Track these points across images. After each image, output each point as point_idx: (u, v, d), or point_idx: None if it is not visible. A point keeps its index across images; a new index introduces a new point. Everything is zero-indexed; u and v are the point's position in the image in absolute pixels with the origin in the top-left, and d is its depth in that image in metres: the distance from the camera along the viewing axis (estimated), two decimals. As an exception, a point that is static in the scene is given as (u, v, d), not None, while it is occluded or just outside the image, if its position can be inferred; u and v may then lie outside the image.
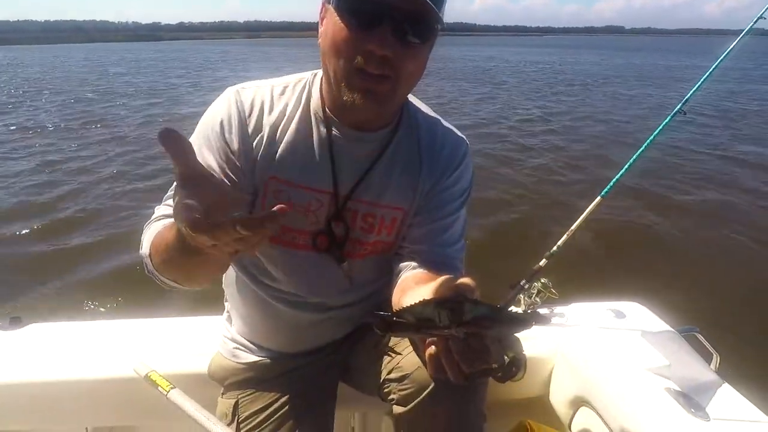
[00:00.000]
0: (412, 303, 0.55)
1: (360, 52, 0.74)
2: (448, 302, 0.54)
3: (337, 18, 0.75)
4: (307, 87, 0.92)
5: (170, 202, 0.86)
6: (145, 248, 0.79)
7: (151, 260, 0.77)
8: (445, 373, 0.59)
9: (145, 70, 23.54)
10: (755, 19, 1.66)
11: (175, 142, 0.54)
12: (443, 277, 0.61)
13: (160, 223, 0.82)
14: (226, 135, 0.87)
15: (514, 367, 0.60)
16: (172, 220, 0.75)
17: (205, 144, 0.87)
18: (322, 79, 0.90)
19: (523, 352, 0.60)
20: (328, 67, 0.81)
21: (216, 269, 0.78)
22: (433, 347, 0.60)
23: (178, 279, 0.76)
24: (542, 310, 1.40)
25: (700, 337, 1.21)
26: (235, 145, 0.87)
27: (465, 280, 0.58)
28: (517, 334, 0.59)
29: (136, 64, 27.14)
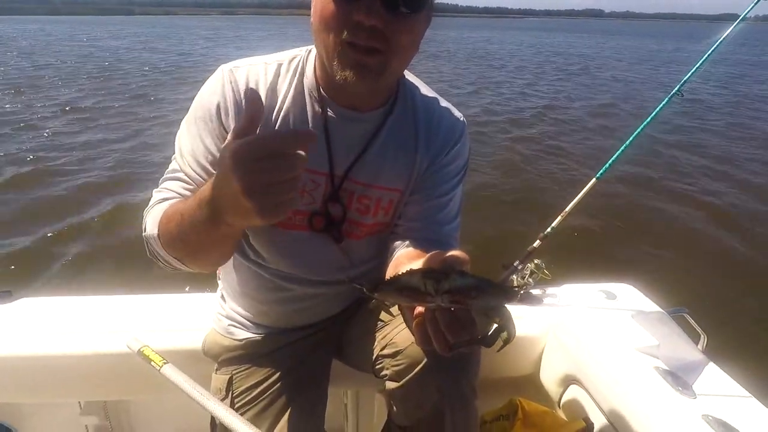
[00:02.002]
0: (401, 273, 0.56)
1: (348, 25, 0.72)
2: (434, 272, 0.54)
3: None
4: (300, 65, 0.89)
5: (168, 185, 0.85)
6: (150, 228, 0.79)
7: (159, 239, 0.77)
8: (431, 344, 0.60)
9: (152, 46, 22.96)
10: (754, 3, 1.63)
11: (257, 105, 0.59)
12: (435, 251, 0.61)
13: (165, 203, 0.81)
14: (223, 118, 0.84)
15: (505, 332, 0.61)
16: (182, 197, 0.79)
17: (203, 129, 0.85)
18: (315, 57, 0.88)
19: (512, 321, 0.60)
20: (319, 45, 0.79)
21: (227, 248, 0.81)
22: (420, 318, 0.60)
23: (185, 257, 0.77)
24: (535, 291, 1.41)
25: (689, 318, 1.23)
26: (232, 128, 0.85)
27: (456, 252, 0.58)
28: (507, 306, 0.59)
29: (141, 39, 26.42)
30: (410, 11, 0.74)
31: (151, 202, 0.85)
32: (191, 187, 0.84)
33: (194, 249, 0.75)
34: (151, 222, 0.80)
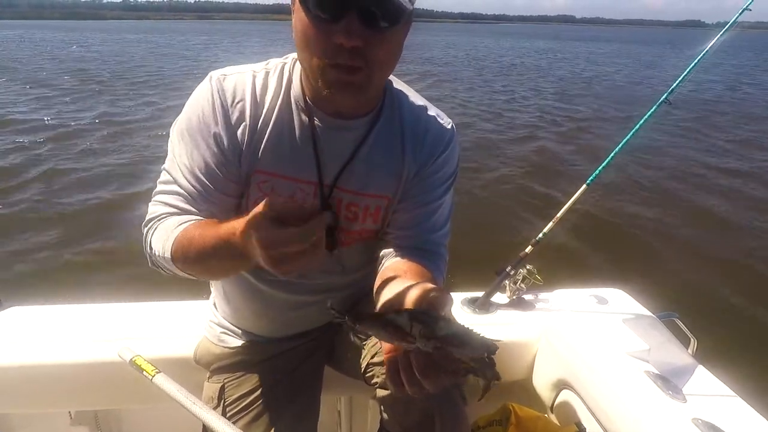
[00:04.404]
0: (388, 310, 0.56)
1: (329, 47, 0.72)
2: (421, 315, 0.54)
3: (303, 13, 0.73)
4: (287, 73, 0.89)
5: (164, 198, 0.86)
6: (160, 250, 0.81)
7: (173, 262, 0.80)
8: (403, 388, 0.59)
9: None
10: (741, 11, 1.65)
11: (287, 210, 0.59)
12: (421, 284, 0.61)
13: (172, 221, 0.82)
14: (213, 129, 0.85)
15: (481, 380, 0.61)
16: (179, 211, 0.84)
17: (193, 142, 0.85)
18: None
19: (493, 367, 0.61)
20: (302, 61, 0.80)
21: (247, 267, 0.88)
22: (391, 363, 0.59)
23: (200, 274, 0.83)
24: (527, 296, 1.42)
25: (679, 323, 1.24)
26: (224, 141, 0.85)
27: (441, 292, 0.58)
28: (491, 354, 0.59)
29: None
30: (390, 24, 0.73)
31: (150, 216, 0.86)
32: (188, 200, 0.85)
33: (215, 271, 0.84)
34: (160, 244, 0.81)
